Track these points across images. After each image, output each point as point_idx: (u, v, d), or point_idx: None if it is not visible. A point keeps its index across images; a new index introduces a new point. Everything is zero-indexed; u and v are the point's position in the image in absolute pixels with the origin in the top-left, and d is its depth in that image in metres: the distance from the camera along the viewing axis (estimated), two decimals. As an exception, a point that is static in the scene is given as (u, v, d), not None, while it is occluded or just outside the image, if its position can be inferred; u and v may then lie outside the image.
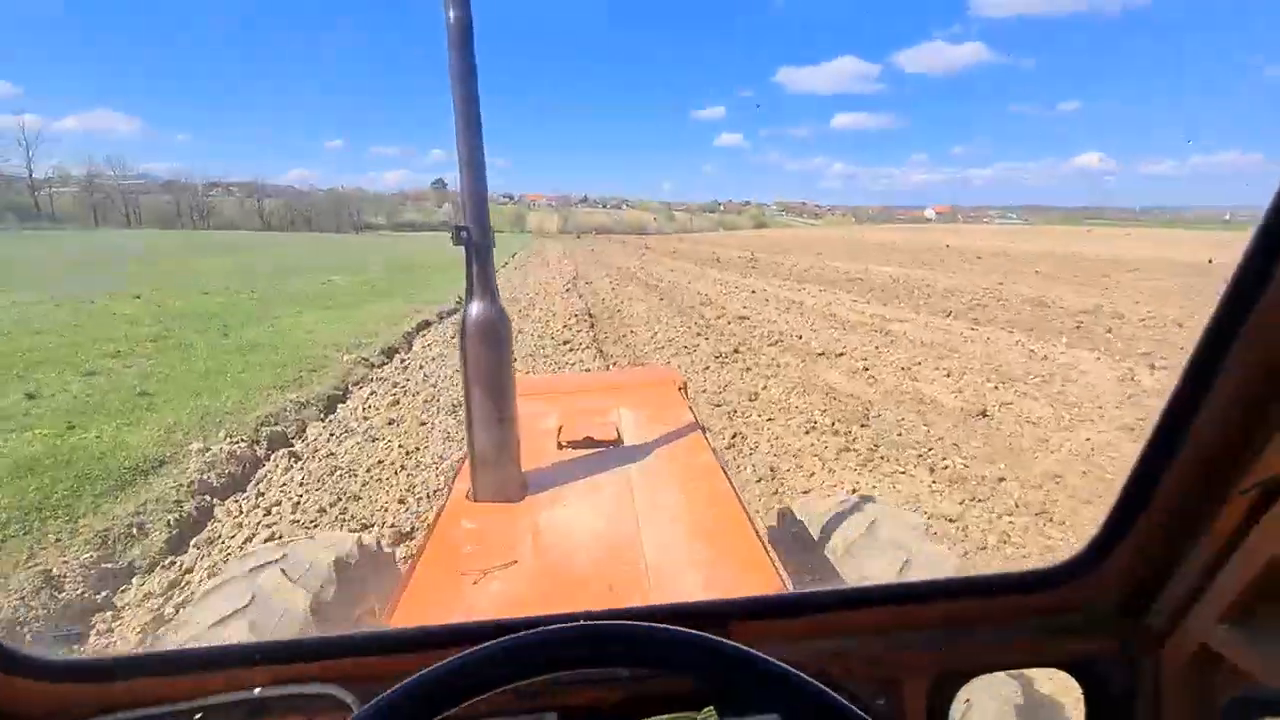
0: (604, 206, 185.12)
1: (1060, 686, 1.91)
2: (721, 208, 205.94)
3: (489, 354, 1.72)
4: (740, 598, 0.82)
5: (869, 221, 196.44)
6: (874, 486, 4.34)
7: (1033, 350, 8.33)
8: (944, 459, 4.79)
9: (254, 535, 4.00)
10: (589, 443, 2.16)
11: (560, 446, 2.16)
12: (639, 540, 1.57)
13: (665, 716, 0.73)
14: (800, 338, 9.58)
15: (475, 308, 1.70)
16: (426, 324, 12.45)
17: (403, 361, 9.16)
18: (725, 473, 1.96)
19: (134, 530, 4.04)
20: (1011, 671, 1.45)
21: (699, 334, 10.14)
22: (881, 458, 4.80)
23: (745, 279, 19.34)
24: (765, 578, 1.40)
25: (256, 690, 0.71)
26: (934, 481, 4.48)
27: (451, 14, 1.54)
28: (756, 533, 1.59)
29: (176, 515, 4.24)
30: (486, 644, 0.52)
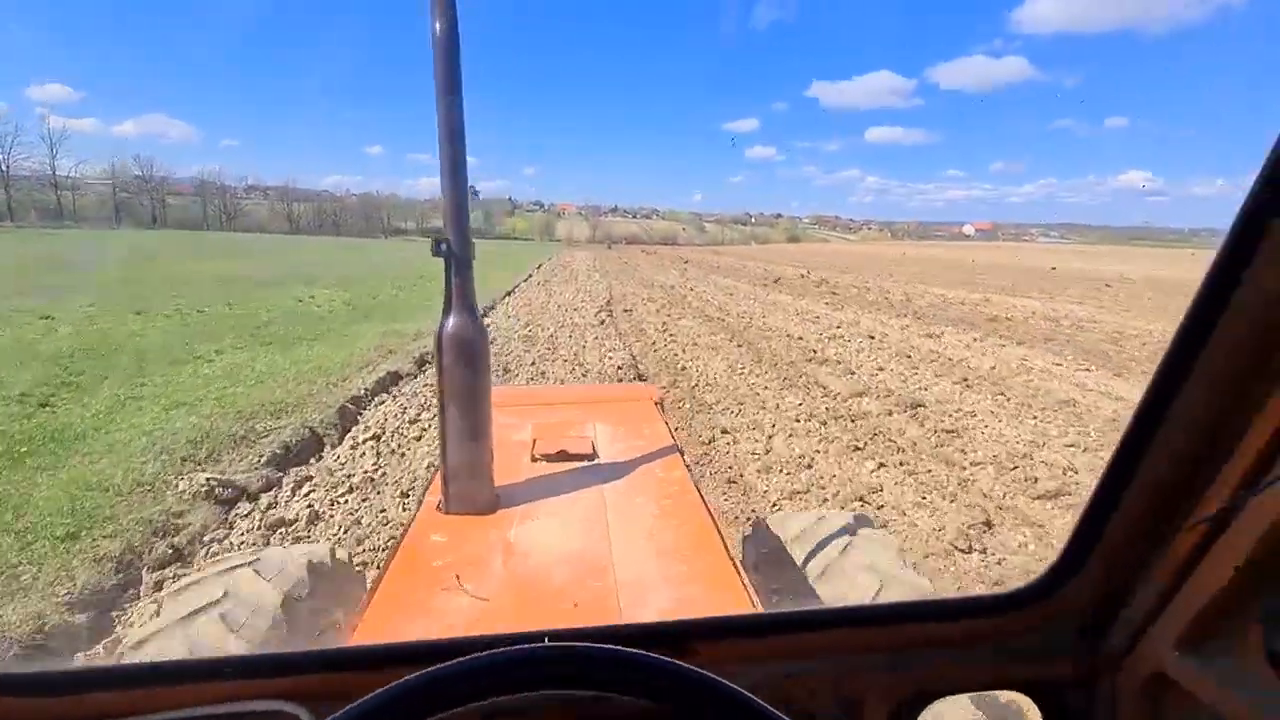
0: (634, 216, 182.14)
1: (1020, 709, 1.63)
2: (753, 220, 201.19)
3: (465, 368, 1.65)
4: (704, 618, 0.82)
5: (906, 237, 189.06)
6: None
7: None
8: None
9: None
10: (563, 457, 2.10)
11: (534, 460, 2.09)
12: (610, 557, 1.52)
13: None
14: (1074, 472, 4.84)
15: (452, 321, 1.64)
16: (394, 379, 8.12)
17: (298, 487, 4.76)
18: (698, 489, 1.92)
19: None
20: (972, 694, 1.38)
21: (854, 445, 5.46)
22: None
23: (837, 311, 14.60)
24: (734, 596, 1.37)
25: (213, 706, 0.68)
26: None
27: (437, 25, 1.48)
28: (727, 550, 1.56)
29: None
30: (444, 665, 0.52)
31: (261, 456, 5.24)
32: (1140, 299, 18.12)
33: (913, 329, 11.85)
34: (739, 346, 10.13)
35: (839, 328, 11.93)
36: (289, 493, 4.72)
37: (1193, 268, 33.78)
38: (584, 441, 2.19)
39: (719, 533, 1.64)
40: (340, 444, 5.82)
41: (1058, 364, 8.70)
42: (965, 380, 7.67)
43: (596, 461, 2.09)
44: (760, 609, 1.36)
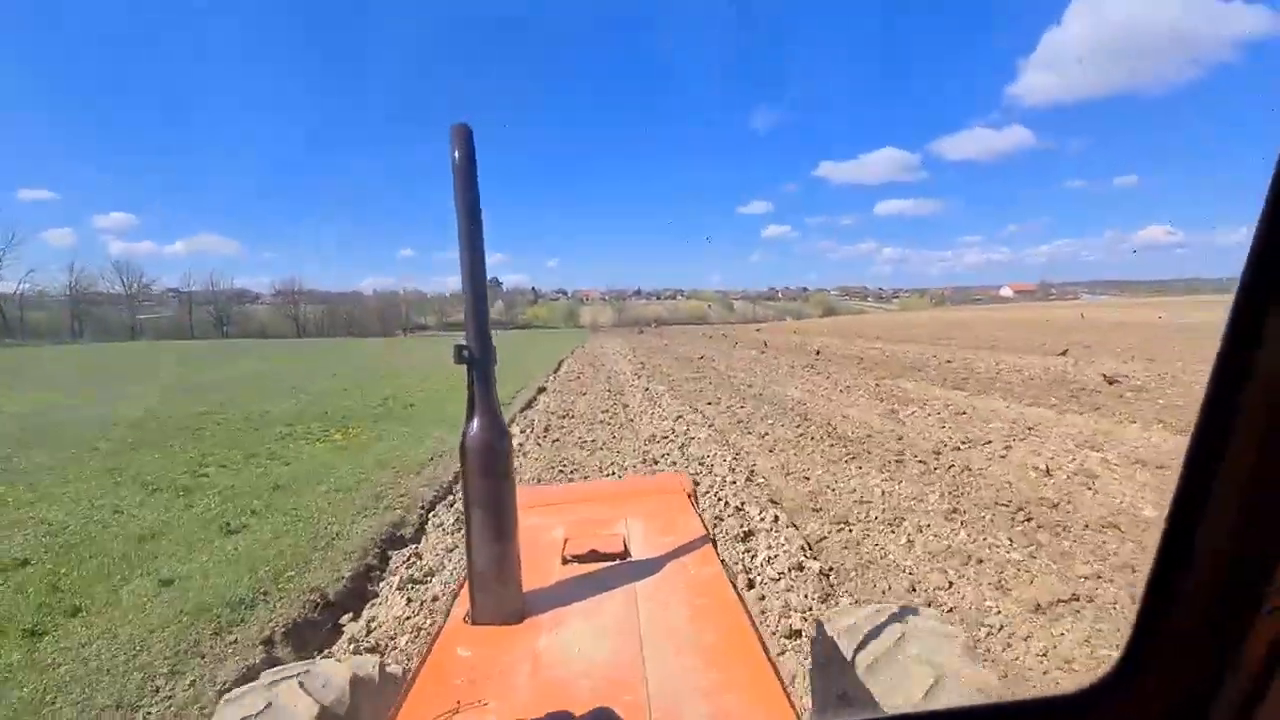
0: (658, 298, 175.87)
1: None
2: (780, 294, 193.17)
3: (489, 474, 1.63)
4: None
5: (945, 303, 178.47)
6: None
7: None
8: None
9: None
10: (594, 556, 2.00)
11: (565, 561, 1.99)
12: (642, 666, 1.44)
13: None
14: None
15: (475, 426, 1.63)
16: None
17: None
18: (734, 585, 1.84)
19: None
20: None
21: None
22: None
23: None
24: (773, 704, 1.30)
25: None
26: None
27: (457, 153, 1.56)
28: (766, 652, 1.49)
29: None
30: None
31: None
32: None
33: None
34: None
35: None
36: None
37: None
38: (615, 539, 2.09)
39: (756, 632, 1.55)
40: None
41: None
42: None
43: (629, 560, 1.99)
44: (800, 717, 1.25)
